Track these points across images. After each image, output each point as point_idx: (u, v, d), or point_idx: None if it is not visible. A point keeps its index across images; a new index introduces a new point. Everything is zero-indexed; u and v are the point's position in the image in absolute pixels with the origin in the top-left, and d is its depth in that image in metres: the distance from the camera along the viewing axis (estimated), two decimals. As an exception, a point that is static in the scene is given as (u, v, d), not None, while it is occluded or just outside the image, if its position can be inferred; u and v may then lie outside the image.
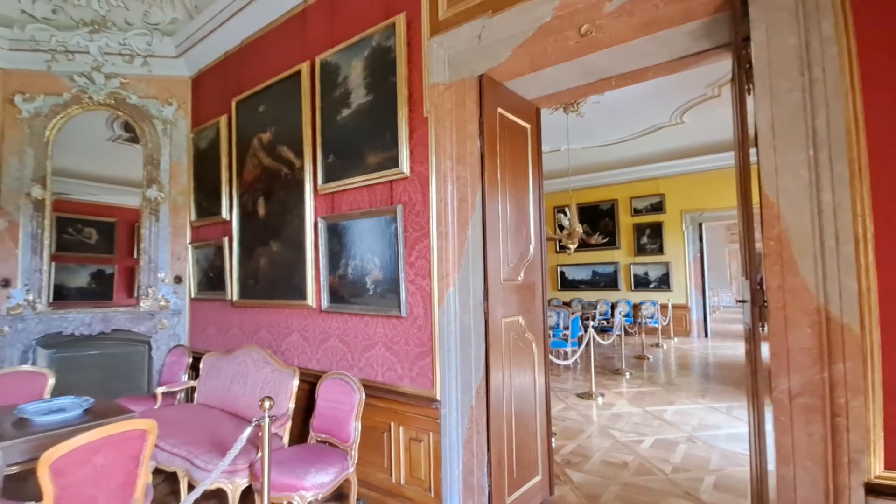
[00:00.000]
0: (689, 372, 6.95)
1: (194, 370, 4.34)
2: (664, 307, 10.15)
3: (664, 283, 10.61)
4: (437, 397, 2.68)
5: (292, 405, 3.12)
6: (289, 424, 3.10)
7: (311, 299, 3.51)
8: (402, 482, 2.84)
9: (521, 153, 3.06)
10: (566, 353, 7.49)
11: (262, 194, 3.97)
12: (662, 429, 4.38)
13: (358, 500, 2.86)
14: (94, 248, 4.89)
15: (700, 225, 10.51)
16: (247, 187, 4.14)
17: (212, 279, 4.53)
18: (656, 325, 9.68)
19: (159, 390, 3.86)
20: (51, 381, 3.44)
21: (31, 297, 4.43)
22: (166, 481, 3.34)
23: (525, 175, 3.09)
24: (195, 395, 3.95)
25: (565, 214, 7.17)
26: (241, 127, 4.21)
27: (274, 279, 3.85)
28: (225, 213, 4.32)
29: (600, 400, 5.38)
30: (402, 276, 2.87)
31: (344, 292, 3.26)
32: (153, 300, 4.75)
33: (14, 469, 2.69)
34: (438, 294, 2.70)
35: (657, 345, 9.35)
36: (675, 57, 2.51)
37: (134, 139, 4.90)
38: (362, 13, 3.22)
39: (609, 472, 3.47)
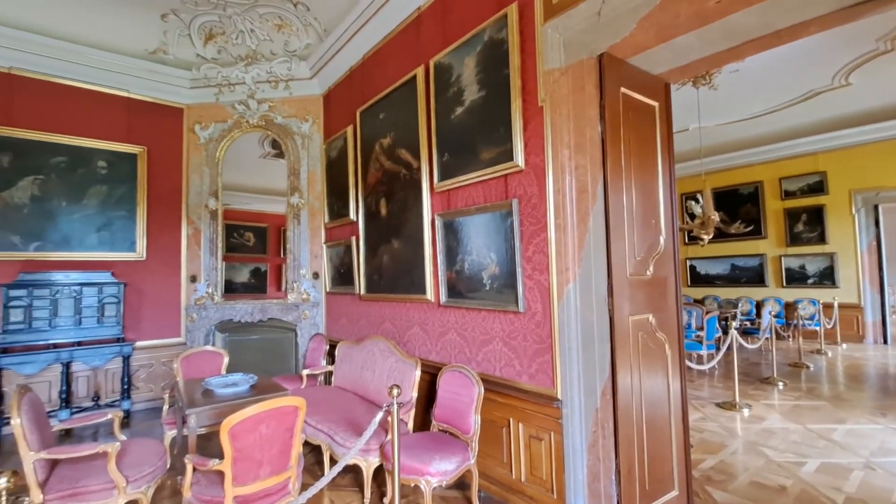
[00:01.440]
0: (864, 385, 5.71)
1: (331, 356, 4.86)
2: (828, 307, 8.49)
3: (827, 277, 8.86)
4: (559, 396, 2.60)
5: (415, 394, 3.31)
6: (413, 412, 3.29)
7: (429, 294, 3.67)
8: (523, 479, 2.82)
9: (647, 135, 2.80)
10: (701, 357, 6.71)
11: (383, 195, 4.27)
12: (830, 451, 3.67)
13: (479, 491, 2.92)
14: (251, 249, 5.81)
15: (876, 207, 8.54)
16: (370, 190, 4.49)
17: (343, 275, 5.01)
18: (817, 328, 8.15)
19: (304, 372, 4.40)
20: (226, 360, 4.15)
21: (210, 290, 5.39)
22: (312, 453, 3.79)
23: (653, 159, 2.83)
24: (333, 378, 4.42)
25: (697, 201, 6.39)
26: (364, 135, 4.58)
27: (395, 275, 4.11)
28: (352, 215, 4.74)
29: (746, 412, 4.70)
30: (518, 270, 2.84)
31: (461, 287, 3.35)
32: (297, 293, 5.43)
33: (202, 430, 3.29)
34: (557, 289, 2.61)
35: (819, 351, 7.86)
36: (847, 5, 2.06)
37: (279, 155, 5.66)
38: (474, 9, 3.25)
39: (761, 495, 3.01)
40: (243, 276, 5.75)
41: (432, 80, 3.56)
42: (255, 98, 5.50)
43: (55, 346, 4.56)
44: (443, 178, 3.47)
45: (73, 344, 4.64)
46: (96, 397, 4.93)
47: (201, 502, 2.25)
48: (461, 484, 3.11)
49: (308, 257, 5.51)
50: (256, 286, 5.76)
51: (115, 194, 5.14)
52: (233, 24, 4.89)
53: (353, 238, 4.72)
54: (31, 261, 4.68)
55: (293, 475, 2.43)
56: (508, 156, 2.88)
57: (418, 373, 3.34)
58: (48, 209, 4.77)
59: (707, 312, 6.86)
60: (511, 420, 2.90)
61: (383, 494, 3.05)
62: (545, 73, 2.69)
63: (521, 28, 2.85)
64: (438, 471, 2.56)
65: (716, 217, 6.04)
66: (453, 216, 3.38)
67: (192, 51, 5.20)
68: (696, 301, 9.77)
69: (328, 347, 4.93)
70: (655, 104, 2.85)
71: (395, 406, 2.24)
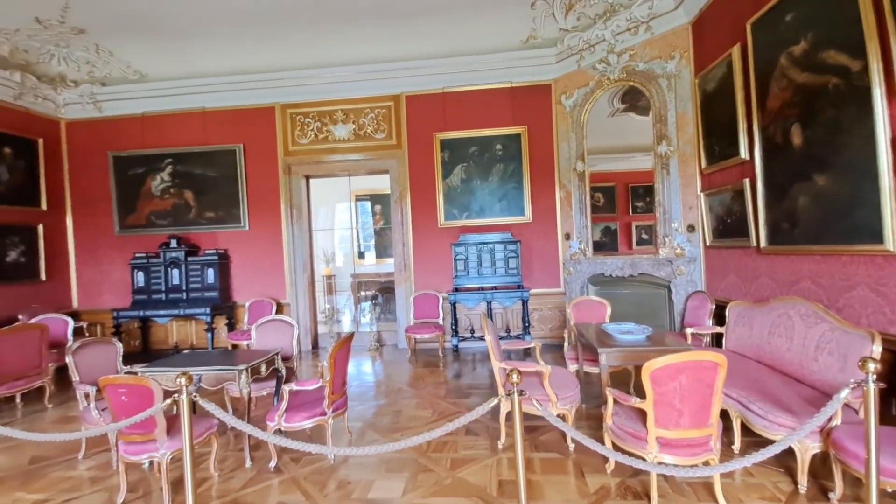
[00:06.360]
0: None
1: (716, 317, 4.38)
2: None
3: None
4: None
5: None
6: (868, 397, 2.50)
7: (890, 243, 2.64)
8: None
9: None
10: None
11: (795, 120, 3.34)
12: None
13: None
14: (601, 209, 6.08)
15: None
16: (772, 117, 3.61)
17: (730, 225, 4.34)
18: None
19: (688, 331, 4.14)
20: (608, 310, 4.44)
21: (582, 247, 5.90)
22: (708, 415, 3.55)
23: None
24: (723, 341, 3.97)
25: None
26: (758, 51, 3.69)
27: (820, 219, 3.18)
28: (743, 153, 3.98)
29: None
30: None
31: (966, 231, 2.21)
32: (669, 248, 5.15)
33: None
34: None
35: None
36: None
37: (629, 108, 5.44)
38: None
39: None
40: (595, 234, 6.00)
41: (896, -72, 2.42)
42: (615, 52, 5.42)
43: (481, 288, 6.16)
44: (922, 71, 2.35)
45: (491, 287, 6.13)
46: (507, 330, 6.37)
47: (623, 432, 2.49)
48: (973, 515, 2.15)
49: (680, 209, 5.09)
50: (607, 244, 5.99)
51: (508, 170, 6.35)
52: (591, -17, 4.94)
53: (746, 180, 3.96)
54: (464, 226, 6.46)
55: (714, 434, 2.32)
56: None
57: (876, 349, 2.48)
58: (470, 187, 6.41)
59: None
60: None
61: (825, 489, 2.49)
62: None
63: None
64: (944, 486, 1.83)
65: None
66: (948, 125, 2.24)
67: (555, 27, 5.61)
68: None
69: (713, 307, 4.46)
70: None
71: (872, 385, 1.72)
